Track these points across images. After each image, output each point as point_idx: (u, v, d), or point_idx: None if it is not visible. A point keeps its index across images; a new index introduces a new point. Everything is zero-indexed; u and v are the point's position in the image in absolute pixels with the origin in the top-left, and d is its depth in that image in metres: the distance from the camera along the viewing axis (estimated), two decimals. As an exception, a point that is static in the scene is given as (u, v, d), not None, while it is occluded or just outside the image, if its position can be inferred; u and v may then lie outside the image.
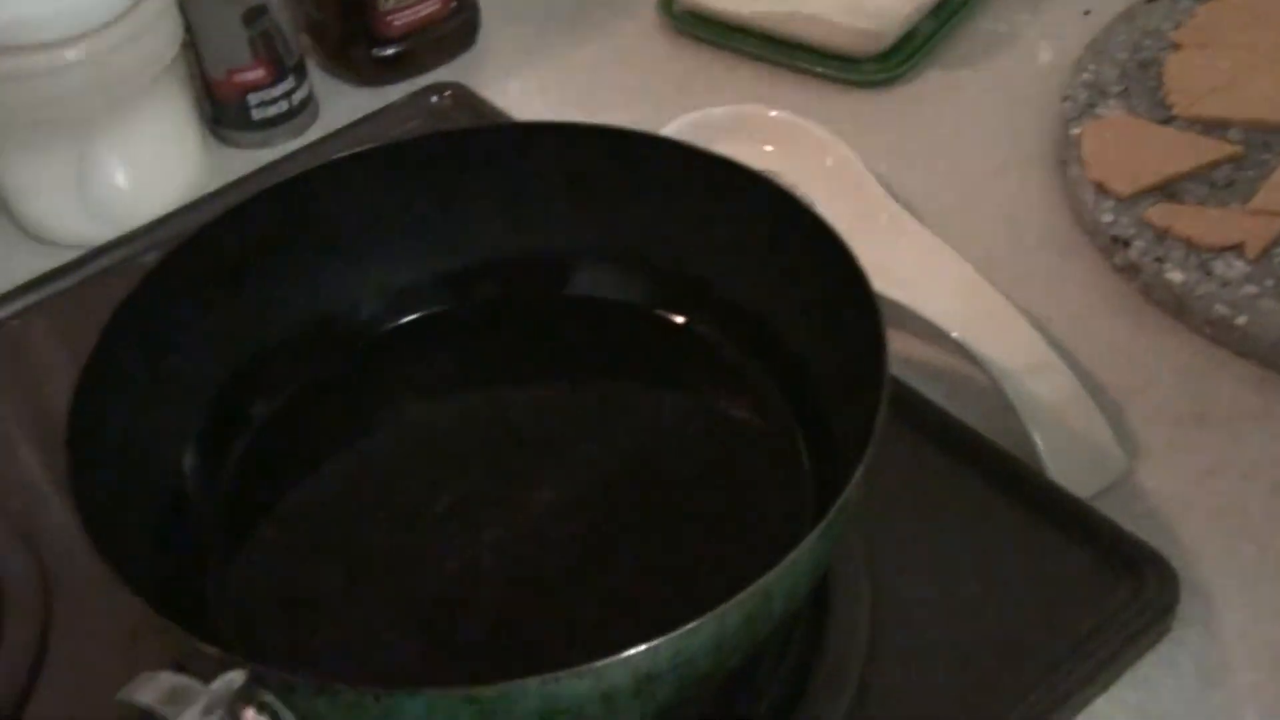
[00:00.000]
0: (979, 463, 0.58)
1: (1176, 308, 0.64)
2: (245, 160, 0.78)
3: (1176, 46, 0.75)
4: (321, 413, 0.57)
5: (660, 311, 0.58)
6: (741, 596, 0.40)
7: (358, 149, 0.57)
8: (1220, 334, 0.63)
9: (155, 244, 0.72)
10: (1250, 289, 0.62)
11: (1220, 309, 0.62)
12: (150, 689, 0.37)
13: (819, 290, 0.52)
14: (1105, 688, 0.51)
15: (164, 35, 0.71)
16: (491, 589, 0.51)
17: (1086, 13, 0.83)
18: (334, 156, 0.56)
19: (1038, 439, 0.58)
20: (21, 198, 0.74)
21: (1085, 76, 0.75)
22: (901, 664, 0.52)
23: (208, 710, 0.36)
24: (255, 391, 0.57)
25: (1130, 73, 0.75)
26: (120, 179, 0.73)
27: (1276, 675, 0.51)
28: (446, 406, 0.59)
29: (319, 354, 0.58)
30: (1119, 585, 0.53)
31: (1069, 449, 0.58)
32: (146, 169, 0.74)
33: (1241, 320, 0.61)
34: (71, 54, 0.67)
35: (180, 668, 0.39)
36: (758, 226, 0.55)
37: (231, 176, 0.77)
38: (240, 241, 0.55)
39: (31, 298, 0.70)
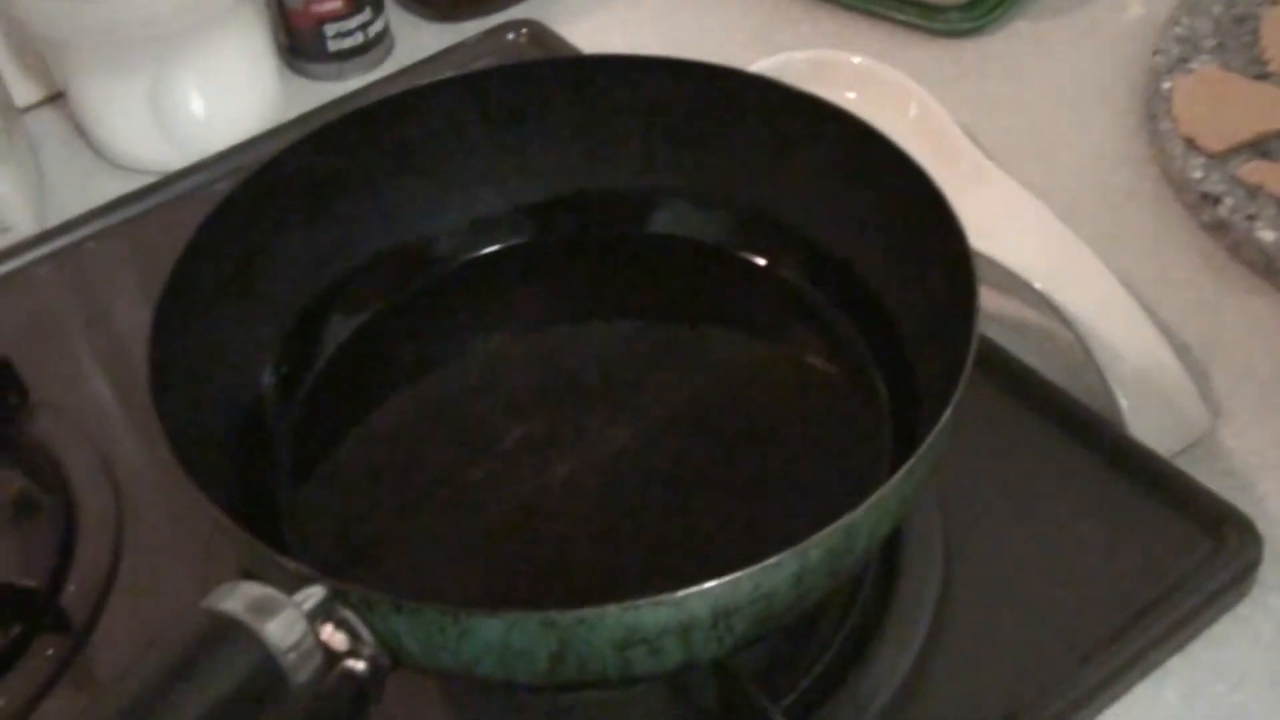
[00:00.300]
0: (1059, 417, 0.57)
1: (1265, 267, 0.63)
2: (319, 92, 0.78)
3: (1273, 1, 0.73)
4: (398, 339, 0.57)
5: (743, 253, 0.57)
6: (825, 532, 0.39)
7: (441, 76, 0.56)
8: (1311, 295, 0.61)
9: (228, 172, 0.72)
10: (1344, 250, 0.61)
11: (1312, 269, 0.61)
12: (236, 598, 0.36)
13: (907, 234, 0.51)
14: (1181, 647, 0.50)
15: (245, -40, 0.70)
16: (561, 523, 0.51)
17: (1179, -35, 0.80)
18: (417, 84, 0.55)
19: (1120, 394, 0.57)
20: (98, 122, 0.74)
21: (1178, 30, 0.73)
22: (972, 618, 0.51)
23: (291, 622, 0.36)
24: (334, 314, 0.56)
25: (1225, 27, 0.73)
26: (196, 105, 0.73)
27: (1359, 641, 0.50)
28: (522, 339, 0.58)
29: (398, 280, 0.58)
30: (1199, 544, 0.52)
31: (1151, 405, 0.57)
32: (222, 96, 0.74)
33: (1334, 281, 0.60)
34: (153, -24, 0.67)
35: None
36: (845, 167, 0.54)
37: (305, 108, 0.76)
38: (322, 165, 0.54)
39: (106, 221, 0.70)
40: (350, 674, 0.40)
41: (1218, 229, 0.64)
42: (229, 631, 0.36)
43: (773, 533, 0.49)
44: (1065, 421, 0.56)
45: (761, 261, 0.57)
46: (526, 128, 0.57)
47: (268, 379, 0.53)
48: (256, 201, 0.53)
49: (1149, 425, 0.56)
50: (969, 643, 0.50)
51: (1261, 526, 0.52)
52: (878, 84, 0.71)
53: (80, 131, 0.76)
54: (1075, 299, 0.59)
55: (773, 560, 0.39)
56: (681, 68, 0.56)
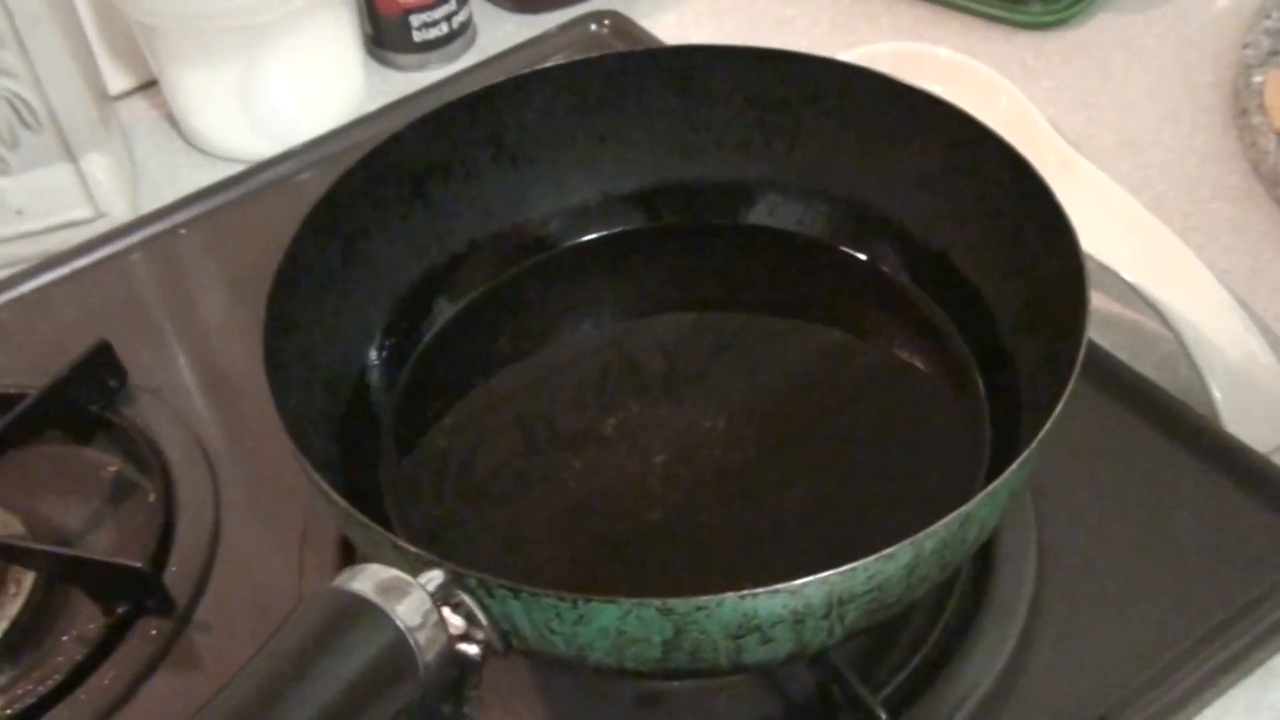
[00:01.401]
0: (1153, 413, 0.56)
1: (1360, 264, 0.62)
2: (403, 82, 0.79)
3: (1365, -4, 0.73)
4: (498, 324, 0.58)
5: (842, 246, 0.58)
6: (942, 523, 0.39)
7: (542, 65, 0.56)
8: (1407, 292, 0.61)
9: (315, 162, 0.73)
10: None
11: None
12: (365, 579, 0.37)
13: (1013, 230, 0.51)
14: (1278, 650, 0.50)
15: (337, -51, 0.71)
16: (657, 511, 0.51)
17: (1266, -41, 0.80)
18: (520, 72, 0.56)
19: (1216, 390, 0.57)
20: (189, 111, 0.75)
21: (1268, 24, 0.72)
22: (1068, 615, 0.51)
23: (419, 603, 0.37)
24: (436, 299, 0.57)
25: (1315, 21, 0.72)
26: (285, 95, 0.74)
27: None
28: (622, 326, 0.59)
29: (497, 266, 0.59)
30: (1300, 544, 0.52)
31: (1248, 401, 0.56)
32: (310, 86, 0.75)
33: None
34: (249, -35, 0.67)
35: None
36: (949, 162, 0.54)
37: (388, 99, 0.77)
38: (422, 154, 0.55)
39: (198, 209, 0.71)
40: (462, 656, 0.40)
41: (1311, 225, 0.64)
42: (362, 612, 0.36)
43: (869, 526, 0.50)
44: (1160, 417, 0.56)
45: (861, 256, 0.58)
46: (622, 118, 0.58)
47: (372, 361, 0.54)
48: (360, 190, 0.53)
49: (1246, 421, 0.56)
50: (1064, 639, 0.50)
51: (1362, 526, 0.52)
52: (964, 77, 0.70)
53: (171, 120, 0.77)
54: (1169, 293, 0.59)
55: (889, 550, 0.39)
56: (779, 58, 0.56)
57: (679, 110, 0.57)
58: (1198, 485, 0.54)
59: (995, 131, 0.52)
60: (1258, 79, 0.70)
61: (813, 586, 0.39)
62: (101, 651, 0.53)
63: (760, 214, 0.59)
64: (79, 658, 0.53)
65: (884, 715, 0.45)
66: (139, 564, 0.53)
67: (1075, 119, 0.71)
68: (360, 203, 0.53)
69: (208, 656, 0.53)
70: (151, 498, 0.58)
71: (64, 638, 0.54)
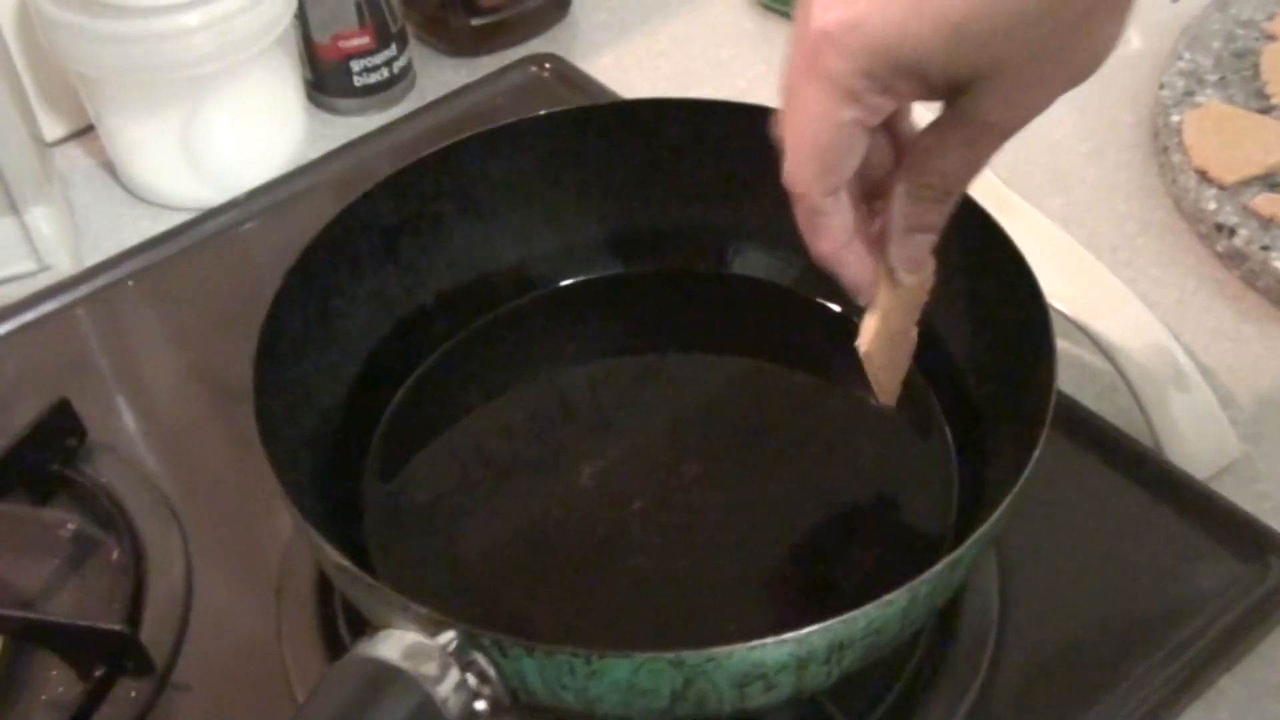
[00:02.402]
0: (1096, 443, 0.59)
1: (1280, 296, 0.66)
2: (345, 127, 0.79)
3: (1272, 37, 0.77)
4: (470, 373, 0.59)
5: (813, 296, 0.60)
6: (935, 570, 0.41)
7: (507, 121, 0.57)
8: (1325, 322, 0.64)
9: (261, 210, 0.74)
10: (1356, 279, 0.64)
11: (1327, 298, 0.64)
12: (390, 646, 0.38)
13: (970, 274, 0.53)
14: (1230, 667, 0.53)
15: (280, 1, 0.71)
16: (641, 557, 0.53)
17: (1175, 0, 0.84)
18: (480, 129, 0.57)
19: (1154, 420, 0.59)
20: (130, 159, 0.75)
21: (1181, 65, 0.76)
22: (1030, 643, 0.53)
23: (444, 666, 0.38)
24: (409, 349, 0.58)
25: (1226, 62, 0.76)
26: (227, 142, 0.74)
27: (1398, 657, 0.53)
28: (592, 374, 0.60)
29: (469, 316, 0.60)
30: (1244, 568, 0.54)
31: (1185, 431, 0.59)
32: (253, 133, 0.75)
33: (1349, 309, 0.63)
34: (194, 18, 0.67)
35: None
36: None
37: (332, 143, 0.78)
38: (395, 208, 0.56)
39: (145, 260, 0.71)
40: (475, 714, 0.41)
41: (1233, 258, 0.67)
42: (391, 678, 0.37)
43: (847, 568, 0.52)
44: (1102, 448, 0.59)
45: (834, 306, 0.59)
46: (587, 170, 0.59)
47: (348, 416, 0.55)
48: (333, 248, 0.54)
49: (1183, 450, 0.59)
50: (1029, 667, 0.52)
51: (1299, 547, 0.55)
52: None
53: (109, 168, 0.77)
54: (1106, 326, 0.61)
55: (889, 597, 0.41)
56: (739, 110, 0.58)
57: (642, 161, 0.59)
58: (1145, 513, 0.57)
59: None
60: (1175, 118, 0.73)
61: (817, 634, 0.40)
62: (80, 716, 0.53)
63: (728, 262, 0.61)
64: (59, 723, 0.52)
65: (868, 750, 0.47)
66: (119, 627, 0.53)
67: (1005, 157, 0.73)
68: (334, 260, 0.54)
69: (188, 717, 0.53)
70: (115, 555, 0.58)
71: (37, 701, 0.54)
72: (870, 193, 0.46)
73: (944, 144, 0.43)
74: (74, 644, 0.53)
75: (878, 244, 0.46)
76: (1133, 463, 0.58)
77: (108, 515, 0.59)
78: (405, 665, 0.37)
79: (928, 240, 0.46)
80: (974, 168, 0.44)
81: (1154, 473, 0.58)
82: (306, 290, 0.52)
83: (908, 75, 0.39)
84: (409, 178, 0.56)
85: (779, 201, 0.58)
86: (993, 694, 0.51)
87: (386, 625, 0.41)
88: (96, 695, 0.53)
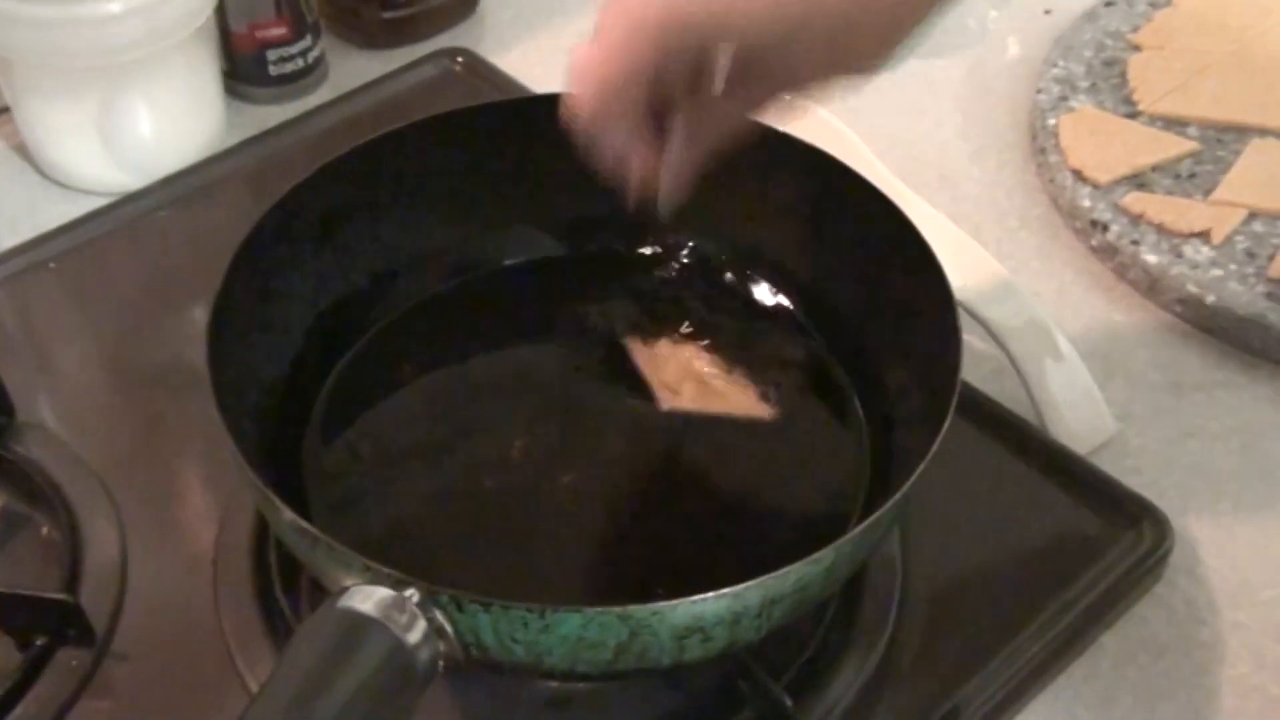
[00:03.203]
0: (985, 422, 0.63)
1: (1149, 286, 0.71)
2: (260, 115, 0.81)
3: (1137, 48, 0.82)
4: (403, 351, 0.61)
5: (743, 283, 0.64)
6: (858, 530, 0.45)
7: (439, 111, 0.60)
8: (1189, 311, 0.70)
9: (179, 197, 0.75)
10: (1217, 271, 0.69)
11: (1191, 289, 0.69)
12: (364, 599, 0.40)
13: (874, 259, 0.57)
14: (1110, 625, 0.58)
15: (204, -10, 0.72)
16: (570, 527, 0.55)
17: (1048, 12, 0.89)
18: (417, 119, 0.59)
19: (1038, 400, 0.64)
20: (46, 143, 0.75)
21: (1055, 72, 0.81)
22: (930, 604, 0.57)
23: (414, 618, 0.40)
24: (345, 329, 0.60)
25: (1096, 70, 0.81)
26: (145, 129, 0.75)
27: (1255, 614, 0.58)
28: (530, 351, 0.63)
29: (402, 297, 0.62)
30: (1120, 534, 0.59)
31: (1066, 411, 0.64)
32: (171, 120, 0.76)
33: (1210, 299, 0.68)
34: (117, 6, 0.69)
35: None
36: (805, 194, 0.60)
37: (247, 131, 0.79)
38: (333, 192, 0.58)
39: (66, 243, 0.72)
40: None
41: (1106, 252, 0.73)
42: (367, 628, 0.40)
43: (767, 533, 0.56)
44: (991, 426, 0.63)
45: (757, 292, 0.63)
46: (516, 158, 0.62)
47: (290, 393, 0.57)
48: (274, 232, 0.56)
49: (1065, 428, 0.64)
50: (930, 625, 0.57)
51: (1168, 516, 0.60)
52: (807, 120, 0.75)
53: (23, 151, 0.77)
54: (995, 312, 0.66)
55: (815, 556, 0.44)
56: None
57: (567, 151, 0.61)
58: (1027, 486, 0.62)
59: (860, 173, 0.58)
60: (1051, 121, 0.78)
61: (752, 589, 0.44)
62: (20, 685, 0.54)
63: (656, 248, 0.64)
64: (-1, 694, 0.53)
65: (789, 701, 0.51)
66: (63, 595, 0.54)
67: (896, 155, 0.78)
68: (275, 243, 0.56)
69: (128, 686, 0.55)
70: (45, 530, 0.60)
71: (-26, 672, 0.55)
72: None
73: (731, 96, 0.48)
74: (15, 613, 0.55)
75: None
76: (1019, 439, 0.63)
77: (38, 492, 0.60)
78: (379, 616, 0.40)
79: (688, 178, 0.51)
80: (743, 119, 0.50)
81: (1038, 448, 0.62)
82: (250, 271, 0.54)
83: (714, 41, 0.45)
84: (348, 164, 0.58)
85: (704, 191, 0.62)
86: (897, 650, 0.56)
87: (345, 586, 0.43)
88: (36, 666, 0.54)
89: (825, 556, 0.45)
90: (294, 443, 0.56)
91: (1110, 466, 0.62)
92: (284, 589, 0.56)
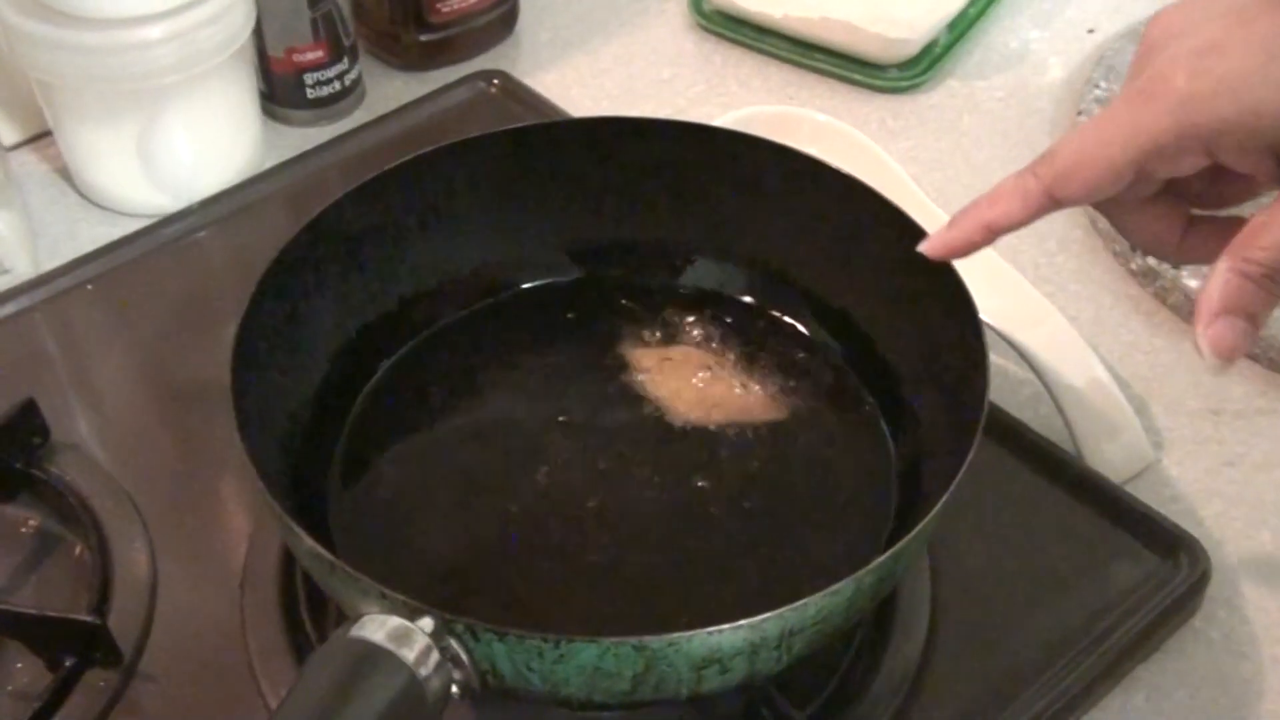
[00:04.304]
0: (1020, 450, 0.62)
1: (1190, 312, 0.69)
2: (298, 138, 0.81)
3: (1181, 69, 0.81)
4: (431, 376, 0.61)
5: (766, 307, 0.63)
6: (879, 561, 0.44)
7: (470, 135, 0.60)
8: (1231, 337, 0.68)
9: (217, 219, 0.76)
10: (1260, 297, 0.68)
11: (1233, 314, 0.68)
12: (375, 628, 0.40)
13: (905, 287, 0.57)
14: (1146, 657, 0.57)
15: (240, 15, 0.73)
16: (596, 554, 0.55)
17: (1091, 31, 0.88)
18: (443, 144, 0.59)
19: (1074, 428, 0.63)
20: (87, 166, 0.76)
21: (1097, 92, 0.80)
22: (960, 635, 0.56)
23: (426, 649, 0.40)
24: (373, 353, 0.61)
25: (1140, 91, 0.80)
26: (184, 151, 0.76)
27: (1297, 647, 0.57)
28: (555, 375, 0.62)
29: (430, 320, 0.62)
30: (1156, 565, 0.58)
31: (1103, 438, 0.63)
32: (209, 142, 0.76)
33: (1253, 325, 0.67)
34: (157, 31, 0.69)
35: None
36: (838, 222, 0.60)
37: (284, 154, 0.80)
38: (361, 217, 0.58)
39: (104, 265, 0.72)
40: (449, 697, 0.43)
41: (1146, 276, 0.72)
42: (378, 658, 0.39)
43: (793, 563, 0.55)
44: (1027, 454, 0.62)
45: (783, 315, 0.63)
46: (544, 183, 0.62)
47: (314, 417, 0.57)
48: (302, 256, 0.56)
49: (1101, 456, 0.63)
50: (959, 657, 0.56)
51: (1206, 547, 0.59)
52: (837, 139, 0.75)
53: (64, 174, 0.78)
54: (1030, 338, 0.65)
55: (835, 587, 0.44)
56: (684, 129, 0.61)
57: (596, 176, 0.62)
58: (1063, 515, 0.61)
59: (882, 193, 0.57)
60: (1093, 143, 0.77)
61: (770, 621, 0.43)
62: (50, 705, 0.54)
63: (683, 275, 0.64)
64: (28, 715, 0.54)
65: (811, 733, 0.50)
66: (90, 617, 0.54)
67: (933, 177, 0.78)
68: (302, 267, 0.56)
69: (155, 706, 0.55)
70: (78, 550, 0.60)
71: (4, 693, 0.55)
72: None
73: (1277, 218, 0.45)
74: (45, 635, 0.55)
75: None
76: (1054, 467, 0.62)
77: (71, 512, 0.61)
78: (391, 646, 0.40)
79: (1243, 329, 0.46)
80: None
81: (1074, 477, 0.61)
82: (277, 295, 0.54)
83: (1240, 147, 0.45)
84: (375, 188, 0.58)
85: (721, 213, 0.62)
86: (927, 681, 0.55)
87: (361, 613, 0.43)
88: (65, 686, 0.55)
89: (845, 588, 0.44)
90: (319, 468, 0.56)
91: (1147, 496, 0.61)
92: (310, 612, 0.56)
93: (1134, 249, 0.72)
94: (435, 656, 0.41)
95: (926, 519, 0.46)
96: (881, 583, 0.46)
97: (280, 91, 0.81)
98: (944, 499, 0.46)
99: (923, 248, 0.53)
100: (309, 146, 0.79)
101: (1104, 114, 0.48)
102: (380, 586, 0.43)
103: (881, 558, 0.45)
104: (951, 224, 0.52)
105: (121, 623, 0.56)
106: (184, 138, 0.75)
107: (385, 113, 0.82)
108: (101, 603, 0.57)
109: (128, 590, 0.58)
